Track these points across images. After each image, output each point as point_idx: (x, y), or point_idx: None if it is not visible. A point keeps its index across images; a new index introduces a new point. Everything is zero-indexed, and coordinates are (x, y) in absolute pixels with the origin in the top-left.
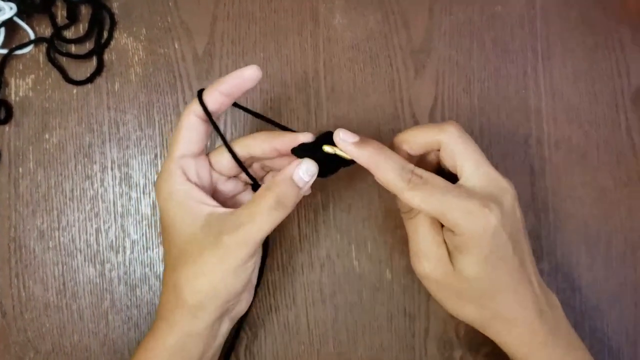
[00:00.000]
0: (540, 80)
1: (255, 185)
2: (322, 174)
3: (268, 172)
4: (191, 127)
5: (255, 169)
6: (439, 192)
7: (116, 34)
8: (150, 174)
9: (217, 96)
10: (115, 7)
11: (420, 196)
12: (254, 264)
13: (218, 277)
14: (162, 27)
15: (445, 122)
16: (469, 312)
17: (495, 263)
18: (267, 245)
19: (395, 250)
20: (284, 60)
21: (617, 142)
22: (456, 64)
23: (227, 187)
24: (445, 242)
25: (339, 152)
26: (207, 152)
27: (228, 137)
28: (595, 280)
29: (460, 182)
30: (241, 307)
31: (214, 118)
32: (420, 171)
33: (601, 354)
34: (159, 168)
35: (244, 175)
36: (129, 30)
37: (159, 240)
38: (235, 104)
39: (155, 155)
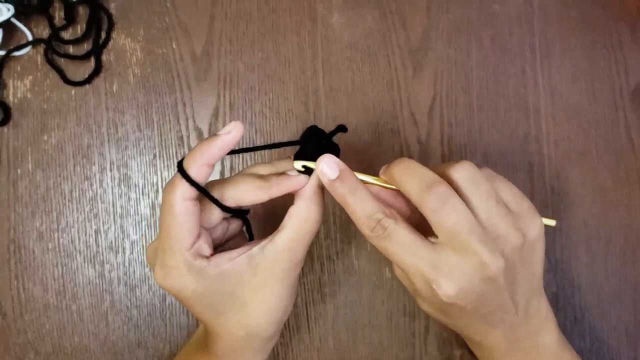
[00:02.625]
0: (539, 78)
1: (250, 230)
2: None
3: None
4: (188, 214)
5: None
6: (399, 250)
7: (114, 35)
8: (149, 175)
9: (204, 170)
10: (112, 7)
11: (379, 246)
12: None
13: (285, 303)
14: (160, 27)
15: (457, 163)
16: (446, 327)
17: (450, 316)
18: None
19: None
20: (282, 60)
21: (616, 141)
22: (454, 63)
23: (217, 232)
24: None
25: (310, 165)
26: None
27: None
28: (595, 278)
29: (435, 240)
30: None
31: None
32: (387, 222)
33: (601, 351)
34: (158, 169)
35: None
36: (127, 31)
37: None
38: (231, 152)
39: (154, 156)
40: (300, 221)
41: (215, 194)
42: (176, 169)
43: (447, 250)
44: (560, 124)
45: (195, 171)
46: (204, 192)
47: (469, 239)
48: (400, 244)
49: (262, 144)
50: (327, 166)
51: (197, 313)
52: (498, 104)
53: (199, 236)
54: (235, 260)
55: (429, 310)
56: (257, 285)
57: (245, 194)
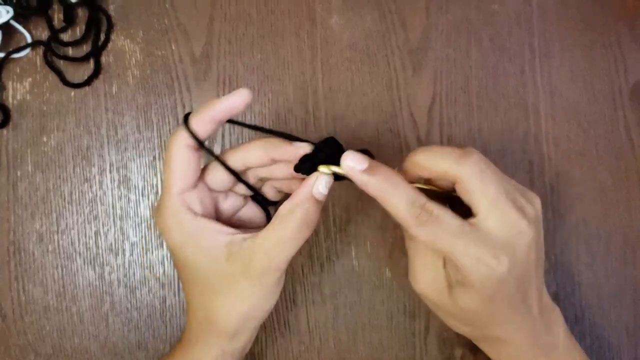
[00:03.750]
0: (538, 78)
1: (256, 197)
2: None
3: (264, 181)
4: (184, 159)
5: (249, 178)
6: (449, 234)
7: (113, 36)
8: (149, 177)
9: (206, 123)
10: (112, 9)
11: (428, 234)
12: (283, 281)
13: (254, 302)
14: (159, 29)
15: (465, 150)
16: (463, 330)
17: (494, 302)
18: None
19: (395, 249)
20: (281, 61)
21: (616, 140)
22: (454, 63)
23: (227, 204)
24: (445, 269)
25: (337, 171)
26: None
27: (224, 147)
28: (595, 277)
29: (475, 220)
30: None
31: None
32: (431, 206)
33: (601, 350)
34: (157, 170)
35: (240, 188)
36: (126, 33)
37: (158, 242)
38: (229, 120)
39: (154, 158)
40: (287, 226)
41: (226, 154)
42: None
43: (489, 224)
44: (560, 124)
45: (195, 123)
46: (199, 142)
47: (508, 206)
48: (448, 226)
49: (272, 128)
50: (354, 160)
51: (176, 267)
52: (497, 103)
53: (193, 186)
54: (216, 236)
55: (437, 309)
56: (227, 273)
57: (250, 152)
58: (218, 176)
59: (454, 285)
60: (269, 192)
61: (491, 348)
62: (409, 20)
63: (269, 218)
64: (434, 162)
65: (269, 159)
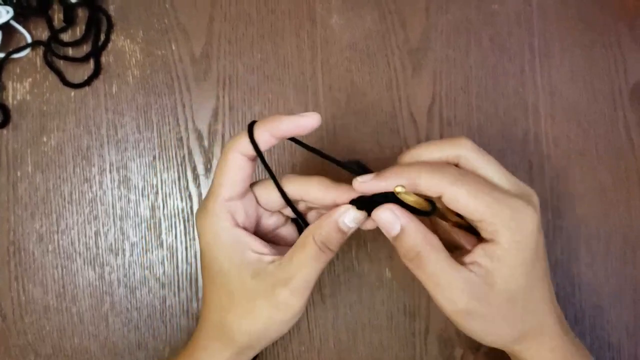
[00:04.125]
0: (538, 78)
1: (299, 222)
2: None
3: (312, 209)
4: (238, 167)
5: (299, 204)
6: (486, 189)
7: (113, 37)
8: (149, 177)
9: (268, 137)
10: (112, 9)
11: (467, 192)
12: (304, 305)
13: (273, 325)
14: (159, 28)
15: (456, 137)
16: (501, 333)
17: (531, 268)
18: None
19: (395, 250)
20: (281, 61)
21: (616, 140)
22: (454, 63)
23: (270, 221)
24: (467, 267)
25: (401, 197)
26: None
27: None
28: (595, 277)
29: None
30: None
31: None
32: (459, 168)
33: (602, 350)
34: (157, 170)
35: (287, 210)
36: (126, 33)
37: (158, 242)
38: (291, 138)
39: (154, 158)
40: (304, 251)
41: (285, 181)
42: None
43: (510, 203)
44: (560, 124)
45: (259, 133)
46: (259, 154)
47: (513, 179)
48: (482, 184)
49: (327, 154)
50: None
51: (202, 266)
52: (497, 103)
53: (241, 196)
54: (249, 251)
55: (474, 319)
56: (251, 290)
57: (304, 185)
58: (272, 197)
59: (488, 271)
60: (312, 217)
61: (531, 345)
62: (408, 20)
63: (300, 231)
64: (434, 151)
65: (326, 200)
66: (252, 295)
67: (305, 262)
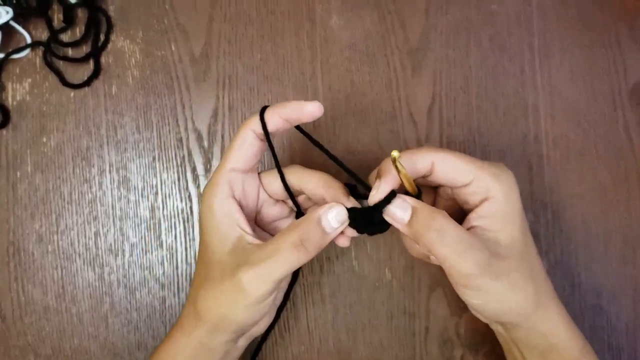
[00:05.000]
0: (538, 77)
1: (298, 215)
2: (378, 230)
3: (314, 203)
4: (246, 142)
5: (301, 197)
6: (469, 158)
7: (113, 37)
8: (148, 177)
9: (277, 119)
10: (111, 10)
11: (454, 156)
12: (273, 299)
13: (235, 308)
14: (159, 29)
15: (421, 147)
16: (522, 295)
17: (523, 220)
18: (297, 270)
19: (395, 250)
20: (280, 61)
21: (615, 140)
22: (453, 63)
23: (273, 211)
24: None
25: (401, 175)
26: (259, 170)
27: (278, 152)
28: (595, 277)
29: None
30: (258, 329)
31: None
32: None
33: (601, 350)
34: (157, 171)
35: (290, 201)
36: (126, 33)
37: (158, 243)
38: (297, 127)
39: (153, 158)
40: (282, 240)
41: (289, 170)
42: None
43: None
44: (559, 123)
45: (269, 115)
46: (266, 132)
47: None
48: (462, 156)
49: (329, 152)
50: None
51: (199, 241)
52: (497, 103)
53: (244, 171)
54: (235, 225)
55: (495, 292)
56: (224, 265)
57: (306, 177)
58: (275, 184)
59: (492, 233)
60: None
61: (546, 311)
62: (408, 20)
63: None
64: (416, 160)
65: (322, 197)
66: (222, 272)
67: (280, 250)
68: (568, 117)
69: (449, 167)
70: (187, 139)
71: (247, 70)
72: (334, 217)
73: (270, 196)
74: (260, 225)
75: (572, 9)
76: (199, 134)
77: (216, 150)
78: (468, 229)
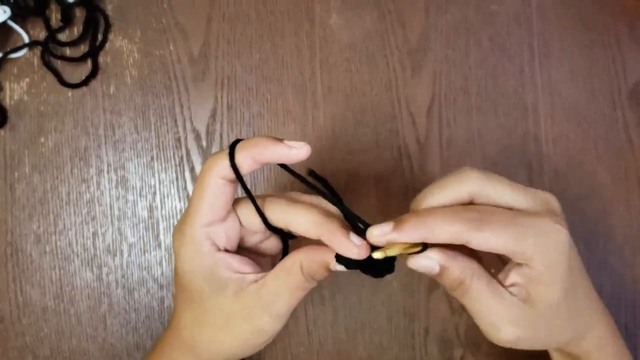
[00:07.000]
0: (537, 77)
1: (283, 237)
2: (378, 274)
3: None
4: (218, 192)
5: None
6: (508, 222)
7: (111, 36)
8: (147, 177)
9: (250, 162)
10: (109, 9)
11: (491, 233)
12: (281, 325)
13: (246, 348)
14: (157, 28)
15: (460, 171)
16: (551, 343)
17: (568, 280)
18: (287, 247)
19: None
20: (280, 61)
21: (615, 140)
22: (453, 63)
23: (255, 237)
24: (508, 290)
25: (390, 253)
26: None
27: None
28: (594, 277)
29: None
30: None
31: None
32: (474, 207)
33: None
34: (155, 171)
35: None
36: (124, 32)
37: (156, 243)
38: (282, 165)
39: (152, 158)
40: (289, 279)
41: (269, 204)
42: (227, 146)
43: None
44: (559, 123)
45: (242, 157)
46: (240, 179)
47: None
48: (500, 217)
49: (316, 186)
50: (380, 229)
51: (176, 287)
52: (497, 103)
53: (222, 220)
54: (230, 271)
55: (532, 338)
56: (230, 310)
57: (299, 218)
58: (255, 221)
59: (530, 293)
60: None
61: (592, 342)
62: (408, 20)
63: (285, 252)
64: (444, 195)
65: (318, 237)
66: (229, 316)
67: (290, 289)
68: (568, 117)
69: (485, 248)
70: (186, 139)
71: (246, 70)
72: (343, 268)
73: (249, 229)
74: (241, 251)
75: (571, 9)
76: (198, 134)
77: (215, 150)
78: (506, 283)
